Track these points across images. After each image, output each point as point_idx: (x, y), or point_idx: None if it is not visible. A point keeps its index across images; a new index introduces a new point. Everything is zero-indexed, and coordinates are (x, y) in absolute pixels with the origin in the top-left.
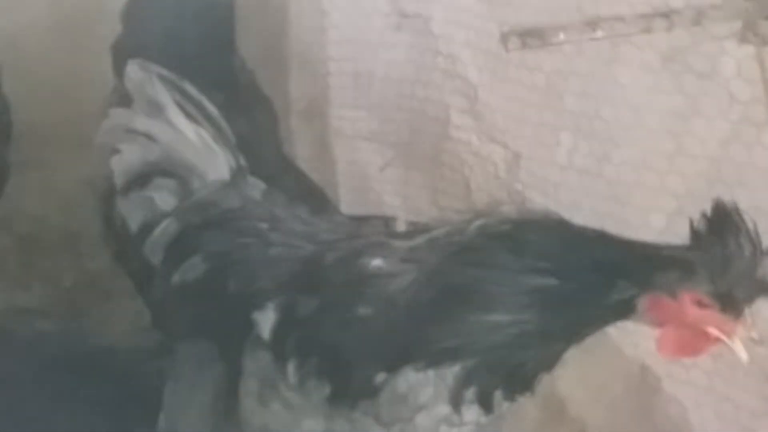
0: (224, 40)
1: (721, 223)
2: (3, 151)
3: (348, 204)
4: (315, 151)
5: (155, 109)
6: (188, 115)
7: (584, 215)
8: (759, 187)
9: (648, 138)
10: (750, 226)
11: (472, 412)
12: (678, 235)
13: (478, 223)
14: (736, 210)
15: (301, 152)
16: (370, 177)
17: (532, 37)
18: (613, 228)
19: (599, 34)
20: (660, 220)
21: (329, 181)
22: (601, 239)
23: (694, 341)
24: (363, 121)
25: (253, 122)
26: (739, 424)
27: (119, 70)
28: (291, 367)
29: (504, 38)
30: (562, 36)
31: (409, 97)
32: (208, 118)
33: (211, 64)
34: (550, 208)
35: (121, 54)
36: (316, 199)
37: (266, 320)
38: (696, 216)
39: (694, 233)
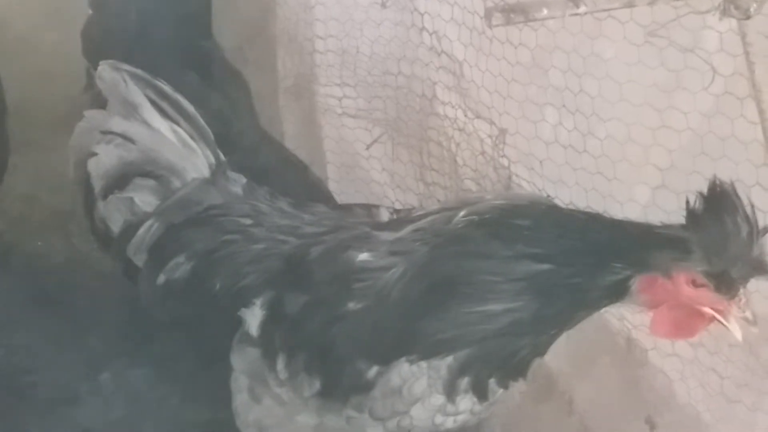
0: (197, 22)
1: (718, 202)
2: (2, 128)
3: (336, 181)
4: (303, 128)
5: (130, 109)
6: (164, 114)
7: (570, 190)
8: (742, 160)
9: (632, 112)
10: (747, 205)
11: (466, 401)
12: (662, 208)
13: (464, 211)
14: (734, 189)
15: (289, 130)
16: (358, 154)
17: (515, 12)
18: (598, 202)
19: (582, 9)
20: (644, 194)
21: (317, 158)
22: (593, 221)
23: (688, 321)
24: (350, 99)
25: (228, 97)
26: (723, 395)
27: (89, 55)
28: (280, 363)
29: (488, 14)
30: (545, 11)
31: (395, 75)
32: (185, 115)
33: (182, 45)
34: (536, 183)
35: (90, 39)
36: (294, 166)
37: (254, 317)
38: (680, 189)
39: (690, 212)
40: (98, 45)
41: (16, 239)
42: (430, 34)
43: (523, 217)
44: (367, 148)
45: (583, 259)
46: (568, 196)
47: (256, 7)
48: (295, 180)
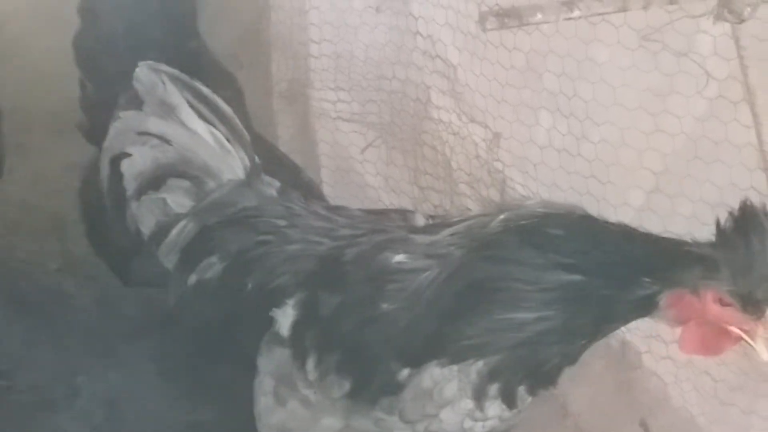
0: (184, 23)
1: (748, 224)
2: None
3: (330, 185)
4: (297, 132)
5: (167, 111)
6: (201, 116)
7: (564, 194)
8: (735, 164)
9: (626, 116)
10: None
11: (495, 408)
12: (656, 212)
13: (501, 217)
14: (764, 211)
15: (283, 134)
16: (352, 158)
17: (509, 17)
18: (592, 206)
19: (576, 13)
20: (638, 198)
21: (311, 162)
22: (625, 235)
23: (716, 339)
24: (344, 103)
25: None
26: (717, 398)
27: (82, 64)
28: (310, 364)
29: (482, 18)
30: (539, 16)
31: (389, 79)
32: (222, 117)
33: (170, 47)
34: (530, 186)
35: (81, 49)
36: (287, 167)
37: (286, 317)
38: (674, 192)
39: (720, 231)
40: (90, 54)
41: (11, 244)
42: (425, 39)
43: (558, 226)
44: (362, 152)
45: (614, 272)
46: (562, 200)
47: (250, 11)
48: (288, 181)
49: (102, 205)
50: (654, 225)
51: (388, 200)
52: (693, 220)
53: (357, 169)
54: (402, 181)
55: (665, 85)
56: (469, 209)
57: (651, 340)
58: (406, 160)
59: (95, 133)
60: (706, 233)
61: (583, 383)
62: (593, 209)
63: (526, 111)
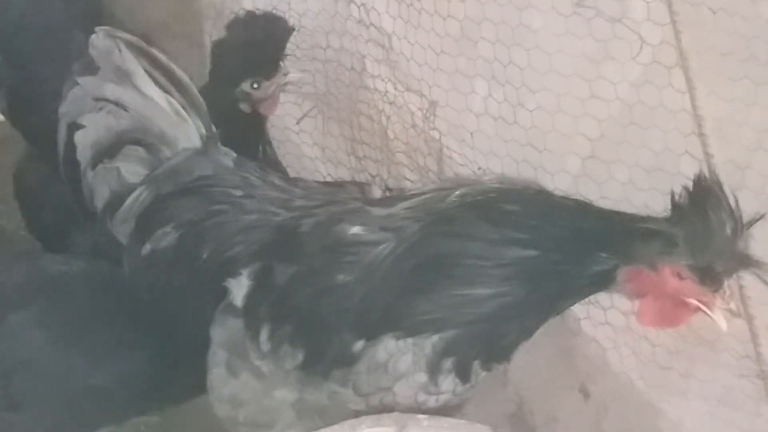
0: None
1: (704, 198)
2: None
3: None
4: None
5: (123, 77)
6: (157, 83)
7: (501, 162)
8: (670, 129)
9: (561, 83)
10: (732, 201)
11: (448, 382)
12: (593, 178)
13: (457, 192)
14: (719, 184)
15: None
16: (288, 128)
17: None
18: (529, 173)
19: None
20: (575, 164)
21: None
22: (581, 210)
23: (674, 311)
24: None
25: None
26: (655, 362)
27: None
28: (264, 335)
29: None
30: None
31: (323, 48)
32: (178, 85)
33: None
34: (468, 155)
35: None
36: None
37: (240, 287)
38: (610, 158)
39: (676, 206)
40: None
41: None
42: (359, 7)
43: (514, 202)
44: (298, 123)
45: (570, 247)
46: (499, 168)
47: None
48: None
49: (36, 188)
50: (591, 191)
51: (326, 170)
52: (629, 186)
53: (293, 140)
54: (339, 151)
55: (600, 51)
56: (407, 178)
57: (589, 307)
58: (342, 130)
59: (14, 114)
60: (642, 199)
61: (523, 350)
62: (531, 177)
63: (462, 79)
